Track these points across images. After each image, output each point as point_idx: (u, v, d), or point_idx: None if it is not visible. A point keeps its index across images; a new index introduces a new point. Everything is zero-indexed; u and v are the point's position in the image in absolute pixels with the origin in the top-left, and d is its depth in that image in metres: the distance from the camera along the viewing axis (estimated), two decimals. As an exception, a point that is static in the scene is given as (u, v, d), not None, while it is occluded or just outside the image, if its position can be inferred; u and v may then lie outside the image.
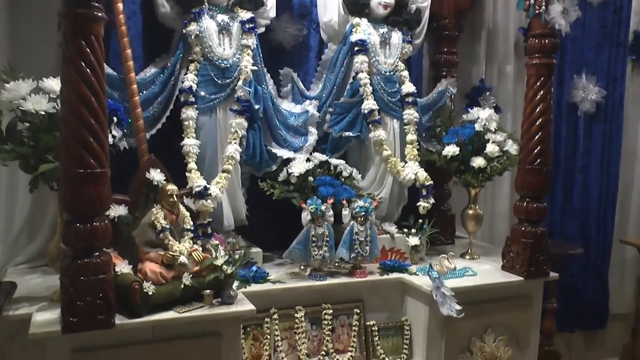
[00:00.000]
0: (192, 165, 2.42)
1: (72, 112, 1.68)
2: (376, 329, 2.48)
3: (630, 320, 3.97)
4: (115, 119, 2.16)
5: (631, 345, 3.90)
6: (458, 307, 2.32)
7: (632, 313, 3.95)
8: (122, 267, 1.95)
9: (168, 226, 2.04)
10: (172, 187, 2.09)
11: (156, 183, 2.13)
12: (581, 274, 3.93)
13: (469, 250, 2.93)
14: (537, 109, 2.51)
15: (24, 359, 1.95)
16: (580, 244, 3.74)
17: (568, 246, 3.51)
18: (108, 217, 1.93)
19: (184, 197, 2.27)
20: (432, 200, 2.84)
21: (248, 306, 2.05)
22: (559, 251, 3.19)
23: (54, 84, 1.97)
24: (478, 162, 2.78)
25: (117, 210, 2.08)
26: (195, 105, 2.46)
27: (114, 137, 2.14)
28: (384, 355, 2.47)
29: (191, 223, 2.15)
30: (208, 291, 2.03)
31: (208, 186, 2.36)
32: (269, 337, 2.30)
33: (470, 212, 2.94)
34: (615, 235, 4.02)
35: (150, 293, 1.89)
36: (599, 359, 4.14)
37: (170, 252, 2.00)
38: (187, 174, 2.40)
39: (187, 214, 2.16)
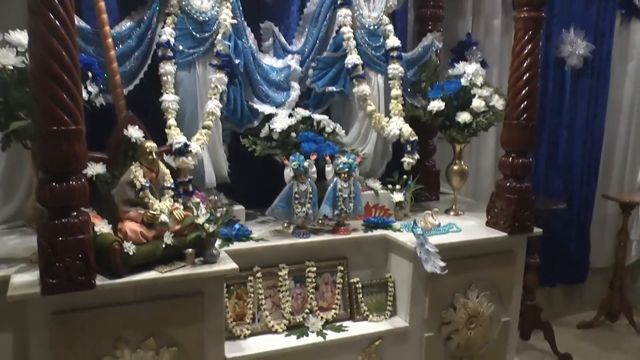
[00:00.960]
0: (171, 121, 2.36)
1: (41, 66, 1.61)
2: (360, 286, 2.48)
3: (609, 274, 4.05)
4: (90, 74, 2.08)
5: (609, 298, 3.99)
6: (442, 264, 2.32)
7: (611, 267, 4.03)
8: (102, 226, 1.91)
9: (148, 184, 1.99)
10: (151, 144, 2.03)
11: (134, 140, 2.07)
12: (563, 229, 3.98)
13: (454, 207, 2.93)
14: (525, 64, 2.46)
15: (2, 321, 1.92)
16: (564, 199, 3.77)
17: (552, 202, 3.53)
18: (85, 175, 1.87)
19: (164, 154, 2.21)
20: (416, 156, 2.82)
21: (231, 265, 2.03)
22: (542, 207, 3.20)
23: (21, 37, 1.87)
24: (464, 117, 2.75)
25: (95, 169, 2.02)
26: (174, 60, 2.38)
27: (89, 93, 2.07)
28: (367, 312, 2.48)
29: (171, 181, 2.10)
30: (190, 250, 2.01)
31: (188, 143, 2.30)
32: (252, 295, 2.29)
33: (455, 167, 2.92)
34: (597, 190, 4.06)
35: (130, 253, 1.85)
36: (578, 312, 4.24)
37: (150, 211, 1.96)
38: (166, 130, 2.34)
39: (167, 171, 2.11)
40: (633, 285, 4.44)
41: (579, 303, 4.28)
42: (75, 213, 1.73)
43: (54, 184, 1.67)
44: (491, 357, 2.74)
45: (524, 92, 2.48)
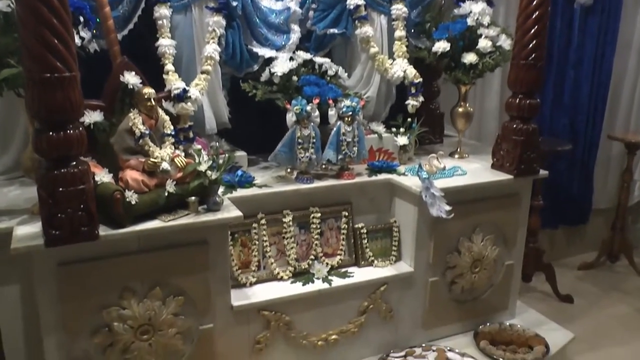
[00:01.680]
0: (169, 67, 2.29)
1: (28, 10, 1.52)
2: (365, 231, 2.47)
3: (611, 215, 4.06)
4: (81, 18, 1.99)
5: (610, 239, 4.00)
6: (447, 208, 2.30)
7: (614, 208, 4.03)
8: (102, 176, 1.87)
9: (147, 131, 1.94)
10: (149, 90, 1.97)
11: (132, 87, 2.01)
12: (568, 171, 3.96)
13: (458, 149, 2.88)
14: (534, 2, 2.36)
15: (7, 273, 1.91)
16: (569, 140, 3.72)
17: (557, 143, 3.49)
18: (82, 124, 1.83)
19: (163, 100, 2.16)
20: (421, 99, 2.74)
21: (235, 212, 2.01)
22: (548, 148, 3.16)
23: (4, -22, 1.78)
24: (469, 58, 2.67)
25: (92, 117, 1.98)
26: (169, 3, 2.30)
27: (82, 38, 1.99)
28: (372, 258, 2.47)
29: (171, 128, 2.05)
30: (193, 198, 1.98)
31: (187, 88, 2.24)
32: (257, 243, 2.28)
33: (460, 110, 2.86)
34: (603, 131, 4.01)
35: (133, 202, 1.82)
36: (579, 253, 4.26)
37: (151, 159, 1.92)
38: (164, 76, 2.27)
39: (167, 118, 2.06)
40: (634, 226, 4.45)
41: (580, 244, 4.31)
42: (74, 163, 1.69)
43: (50, 133, 1.63)
44: (495, 300, 2.76)
45: (532, 31, 2.38)
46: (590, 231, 4.29)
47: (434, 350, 2.42)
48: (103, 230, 1.79)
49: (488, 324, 2.73)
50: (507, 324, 2.75)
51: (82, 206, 1.70)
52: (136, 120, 1.92)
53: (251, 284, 2.25)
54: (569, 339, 2.73)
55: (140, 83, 2.02)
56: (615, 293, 3.74)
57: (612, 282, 3.90)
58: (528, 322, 2.81)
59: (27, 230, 1.81)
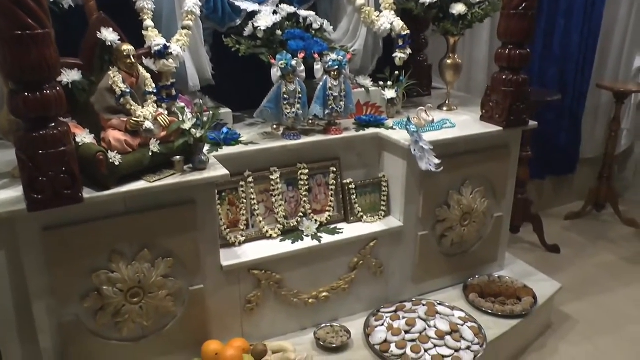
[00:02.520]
0: (148, 22, 2.19)
1: (-5, -38, 1.44)
2: (353, 186, 2.45)
3: (598, 164, 4.07)
4: (53, -29, 1.90)
5: (597, 188, 4.03)
6: (437, 161, 2.28)
7: (601, 157, 4.03)
8: (83, 137, 1.82)
9: (128, 90, 1.88)
10: (128, 47, 1.90)
11: (110, 44, 1.93)
12: (556, 121, 3.94)
13: (447, 102, 2.84)
14: (524, -53, 2.29)
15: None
16: (557, 90, 3.69)
17: (546, 93, 3.45)
18: (60, 83, 1.76)
19: (143, 57, 2.08)
20: (408, 51, 2.68)
21: (221, 171, 1.97)
22: (537, 99, 3.13)
23: None
24: (458, 8, 2.61)
25: (70, 76, 1.90)
26: (145, -47, 2.19)
27: (54, -7, 1.91)
28: (361, 213, 2.46)
29: (153, 85, 1.99)
30: (178, 157, 1.94)
31: (168, 44, 2.15)
32: (245, 201, 2.25)
33: (449, 61, 2.80)
34: (592, 80, 3.98)
35: (117, 163, 1.78)
36: (566, 203, 4.29)
37: (133, 118, 1.87)
38: (143, 32, 2.18)
39: (148, 75, 1.99)
40: (620, 175, 4.47)
41: (567, 194, 4.33)
42: (53, 124, 1.63)
43: (26, 94, 1.56)
44: (484, 253, 2.78)
45: (523, -22, 2.32)
46: (577, 181, 4.31)
47: (424, 305, 2.44)
48: (87, 193, 1.75)
49: (477, 276, 2.76)
50: (496, 276, 2.78)
51: (64, 168, 1.65)
52: (116, 78, 1.86)
53: (240, 243, 2.24)
54: (556, 289, 2.77)
55: (119, 40, 1.95)
56: (601, 242, 3.79)
57: (598, 231, 3.94)
58: (516, 273, 2.85)
59: (8, 195, 1.76)
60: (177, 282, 2.00)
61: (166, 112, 1.99)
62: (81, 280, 1.84)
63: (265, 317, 2.29)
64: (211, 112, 2.07)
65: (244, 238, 2.25)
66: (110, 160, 1.77)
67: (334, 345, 2.26)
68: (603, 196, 4.03)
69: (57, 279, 1.81)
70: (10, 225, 1.74)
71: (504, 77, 2.47)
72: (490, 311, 2.51)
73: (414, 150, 2.27)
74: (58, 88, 1.63)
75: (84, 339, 1.92)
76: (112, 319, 1.93)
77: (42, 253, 1.77)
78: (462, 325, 2.34)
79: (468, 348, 2.23)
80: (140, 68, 1.97)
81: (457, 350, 2.21)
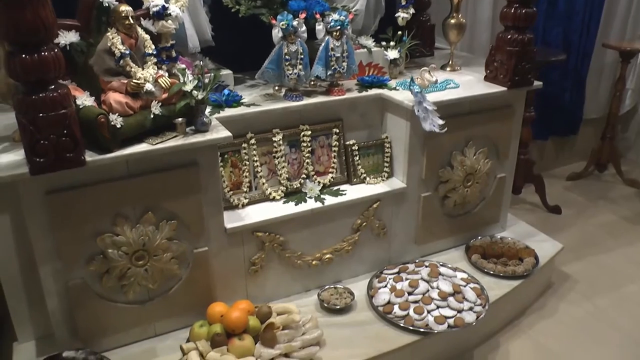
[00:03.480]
0: (145, -18, 2.14)
1: None
2: (356, 148, 2.43)
3: (600, 125, 4.04)
4: None
5: (599, 148, 4.01)
6: (440, 122, 2.26)
7: (604, 118, 4.01)
8: (84, 99, 1.79)
9: (127, 52, 1.84)
10: (126, 8, 1.86)
11: (107, 4, 1.88)
12: (560, 81, 3.90)
13: (450, 62, 2.80)
14: None
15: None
16: (562, 50, 3.64)
17: (550, 53, 3.40)
18: (58, 45, 1.73)
19: (141, 18, 2.03)
20: (411, 11, 2.63)
21: (224, 132, 1.96)
22: (541, 58, 3.08)
23: None
24: (462, -36, 2.54)
25: (68, 37, 1.85)
26: None
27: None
28: (364, 175, 2.45)
29: (153, 47, 1.95)
30: (180, 119, 1.92)
31: (166, 5, 2.10)
32: (247, 163, 2.24)
33: (453, 21, 2.75)
34: (597, 40, 3.92)
35: (118, 126, 1.76)
36: (568, 163, 4.29)
37: (134, 80, 1.84)
38: (140, -8, 2.14)
39: (147, 37, 1.95)
40: (623, 135, 4.46)
41: (569, 155, 4.32)
42: (53, 86, 1.61)
43: (23, 55, 1.53)
44: (486, 214, 2.79)
45: None
46: (580, 142, 4.30)
47: (426, 266, 2.45)
48: (89, 156, 1.73)
49: (479, 237, 2.77)
50: (498, 237, 2.79)
51: (65, 131, 1.63)
52: (115, 40, 1.82)
53: (243, 206, 2.23)
54: (557, 250, 2.78)
55: (116, 0, 1.90)
56: (602, 202, 3.79)
57: (600, 191, 3.95)
58: (518, 234, 2.86)
59: (10, 159, 1.75)
60: (181, 245, 2.01)
61: (167, 74, 1.96)
62: (86, 243, 1.85)
63: (269, 279, 2.30)
64: (212, 74, 2.04)
65: (247, 200, 2.24)
66: (112, 123, 1.75)
67: (338, 307, 2.29)
68: (605, 156, 4.01)
69: (61, 243, 1.81)
70: (13, 189, 1.74)
71: (509, 36, 2.43)
72: (492, 272, 2.53)
73: (418, 111, 2.25)
74: (56, 50, 1.60)
75: (91, 302, 1.93)
76: (118, 282, 1.94)
77: (46, 217, 1.77)
78: (465, 286, 2.35)
79: (470, 309, 2.25)
80: (139, 29, 1.93)
81: (459, 312, 2.23)
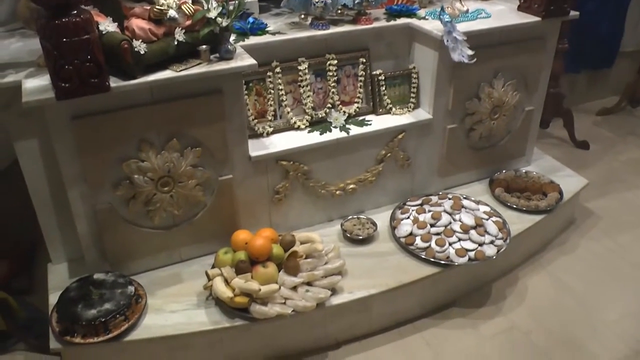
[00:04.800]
0: None
1: None
2: (383, 78, 2.39)
3: (637, 58, 3.89)
4: None
5: (634, 82, 3.87)
6: (470, 52, 2.19)
7: (642, 50, 3.84)
8: (107, 25, 1.77)
9: (150, -24, 1.80)
10: None
11: None
12: (598, 11, 3.69)
13: (483, -10, 2.69)
14: None
15: (23, 127, 1.89)
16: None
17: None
18: (79, -32, 1.69)
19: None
20: None
21: (248, 60, 1.93)
22: (579, -14, 2.94)
23: None
24: None
25: (90, -40, 1.82)
26: None
27: None
28: (390, 105, 2.42)
29: (175, -29, 1.90)
30: (204, 47, 1.89)
31: None
32: (272, 92, 2.22)
33: (487, -55, 2.62)
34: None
35: (142, 52, 1.74)
36: (599, 98, 4.15)
37: (157, 6, 1.80)
38: None
39: (170, -40, 1.90)
40: (661, 68, 4.28)
41: (601, 89, 4.18)
42: (75, 11, 1.58)
43: (44, -23, 1.51)
44: (512, 147, 2.75)
45: None
46: (614, 76, 4.14)
47: (449, 198, 2.45)
48: (114, 82, 1.73)
49: (504, 171, 2.75)
50: (523, 170, 2.77)
51: (89, 57, 1.62)
52: (136, -37, 1.78)
53: (268, 134, 2.23)
54: (582, 185, 2.75)
55: None
56: (632, 138, 3.70)
57: (630, 127, 3.84)
58: (543, 168, 2.83)
59: (36, 84, 1.75)
60: (205, 172, 2.03)
61: (190, 0, 1.92)
62: (112, 168, 1.88)
63: (293, 208, 2.33)
64: (237, 1, 1.98)
65: (271, 129, 2.24)
66: (136, 49, 1.73)
67: (360, 237, 2.31)
68: (640, 91, 3.89)
69: (88, 167, 1.84)
70: (41, 114, 1.75)
71: (546, -39, 2.31)
72: (515, 206, 2.52)
73: (447, 40, 2.18)
74: (78, -27, 1.57)
75: (119, 226, 1.98)
76: (144, 207, 1.98)
77: (73, 141, 1.79)
78: (487, 219, 2.35)
79: (492, 242, 2.26)
80: (161, -49, 1.88)
81: (480, 245, 2.24)
